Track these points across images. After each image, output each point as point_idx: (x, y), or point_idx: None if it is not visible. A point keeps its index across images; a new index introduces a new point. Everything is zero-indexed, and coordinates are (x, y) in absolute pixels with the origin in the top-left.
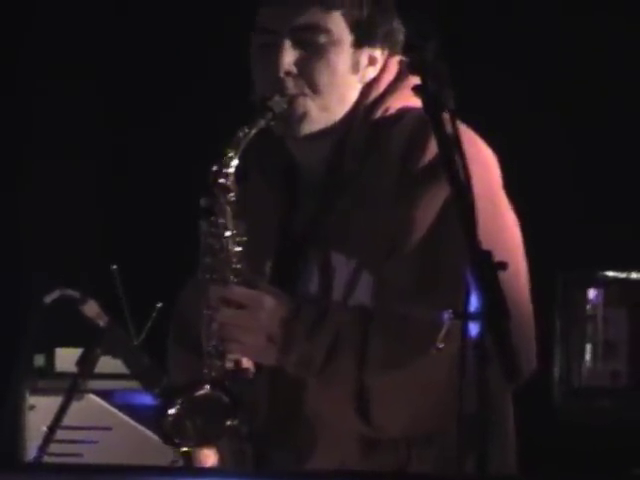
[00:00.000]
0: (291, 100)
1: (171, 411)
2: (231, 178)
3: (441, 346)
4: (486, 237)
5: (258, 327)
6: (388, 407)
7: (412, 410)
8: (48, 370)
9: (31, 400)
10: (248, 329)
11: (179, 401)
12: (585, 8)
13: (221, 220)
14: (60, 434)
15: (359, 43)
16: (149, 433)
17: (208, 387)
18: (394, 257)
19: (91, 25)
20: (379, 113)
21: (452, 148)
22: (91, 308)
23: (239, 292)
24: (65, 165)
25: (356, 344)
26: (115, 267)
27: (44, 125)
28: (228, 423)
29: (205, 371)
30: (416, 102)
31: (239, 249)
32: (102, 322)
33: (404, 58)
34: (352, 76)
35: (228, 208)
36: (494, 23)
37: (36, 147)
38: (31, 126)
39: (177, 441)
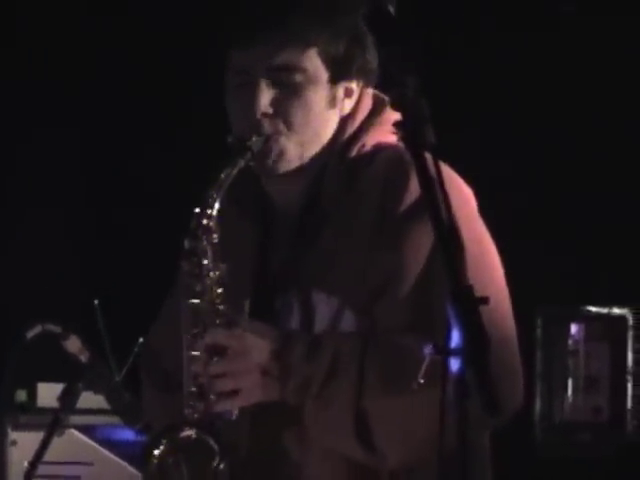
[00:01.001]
0: (267, 139)
1: (156, 452)
2: (214, 219)
3: (422, 381)
4: (470, 273)
5: (250, 367)
6: (389, 433)
7: (410, 439)
8: (30, 405)
9: (13, 435)
10: (240, 373)
11: (164, 441)
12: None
13: (204, 261)
14: (42, 469)
15: (336, 78)
16: (131, 469)
17: (193, 429)
18: (385, 299)
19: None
20: (355, 151)
21: (434, 186)
22: (73, 343)
23: (221, 336)
24: (46, 197)
25: (355, 365)
26: (97, 302)
27: (26, 161)
28: (213, 465)
29: (187, 412)
30: (391, 138)
31: (221, 290)
32: (84, 357)
33: (376, 92)
34: (330, 110)
35: (210, 249)
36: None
37: (18, 180)
38: (16, 163)
39: None
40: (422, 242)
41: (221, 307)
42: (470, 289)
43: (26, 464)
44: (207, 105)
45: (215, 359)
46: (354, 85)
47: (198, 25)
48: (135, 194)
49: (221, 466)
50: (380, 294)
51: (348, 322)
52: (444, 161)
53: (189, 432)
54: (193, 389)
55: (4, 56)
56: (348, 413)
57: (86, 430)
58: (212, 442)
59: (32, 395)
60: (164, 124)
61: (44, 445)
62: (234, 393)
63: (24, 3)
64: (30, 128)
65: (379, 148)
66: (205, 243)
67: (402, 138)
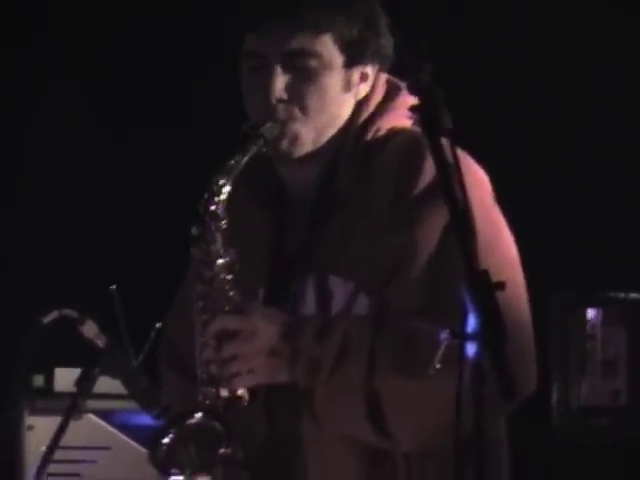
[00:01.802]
0: (282, 125)
1: (164, 440)
2: (222, 206)
3: (438, 366)
4: (484, 256)
5: (259, 349)
6: (401, 416)
7: (425, 423)
8: (47, 390)
9: (29, 420)
10: (249, 355)
11: (172, 430)
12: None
13: (213, 248)
14: (59, 454)
15: (350, 63)
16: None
17: (200, 415)
18: (398, 281)
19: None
20: (370, 134)
21: (450, 169)
22: (90, 328)
23: (229, 321)
24: (62, 183)
25: (365, 347)
26: (114, 287)
27: (39, 145)
28: (222, 451)
29: (200, 399)
30: (405, 123)
31: (231, 277)
32: (101, 342)
33: (391, 77)
34: (345, 94)
35: (219, 236)
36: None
37: (32, 166)
38: (25, 148)
39: (171, 470)
40: (435, 224)
41: (231, 293)
42: (486, 274)
43: (43, 449)
44: (226, 90)
45: (225, 343)
46: (369, 69)
47: (213, 9)
48: (152, 180)
49: (229, 450)
50: (392, 276)
51: (363, 305)
52: (460, 146)
53: (197, 418)
54: (204, 375)
55: (18, 38)
56: (359, 396)
57: (103, 415)
58: (219, 427)
59: (49, 380)
60: (181, 111)
61: (61, 430)
62: (242, 374)
63: None
64: (50, 114)
65: (394, 132)
66: (213, 229)
67: (419, 123)
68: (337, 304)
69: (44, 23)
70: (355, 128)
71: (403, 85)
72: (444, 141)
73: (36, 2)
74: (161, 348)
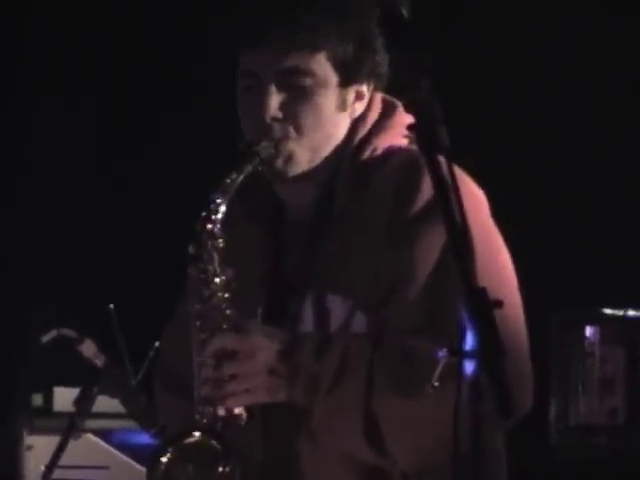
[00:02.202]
0: (277, 144)
1: (162, 459)
2: (219, 224)
3: (436, 384)
4: (482, 275)
5: (257, 368)
6: (398, 435)
7: (422, 441)
8: (46, 409)
9: (29, 440)
10: (248, 375)
11: (170, 449)
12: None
13: (210, 267)
14: (58, 473)
15: (345, 81)
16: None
17: (198, 434)
18: (396, 299)
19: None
20: (367, 154)
21: (447, 188)
22: (88, 347)
23: (227, 340)
24: (61, 202)
25: (364, 365)
26: (112, 306)
27: (38, 164)
28: (220, 470)
29: (197, 418)
30: (402, 141)
31: (228, 295)
32: (99, 362)
33: (386, 95)
34: (340, 114)
35: (216, 254)
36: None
37: (30, 183)
38: (25, 165)
39: None
40: (433, 243)
41: (228, 312)
42: (484, 292)
43: (42, 468)
44: (224, 109)
45: (223, 362)
46: (364, 88)
47: (210, 24)
48: (151, 198)
49: (227, 469)
50: (390, 294)
51: (361, 323)
52: (457, 163)
53: (195, 437)
54: (202, 394)
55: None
56: (357, 415)
57: (102, 434)
58: (217, 446)
59: (48, 399)
60: (179, 130)
61: (60, 449)
62: (242, 393)
63: None
64: (46, 126)
65: (391, 151)
66: (210, 248)
67: (415, 141)
68: (335, 322)
69: (44, 26)
70: (351, 147)
71: (399, 103)
72: (441, 159)
73: (33, 7)
74: (156, 367)
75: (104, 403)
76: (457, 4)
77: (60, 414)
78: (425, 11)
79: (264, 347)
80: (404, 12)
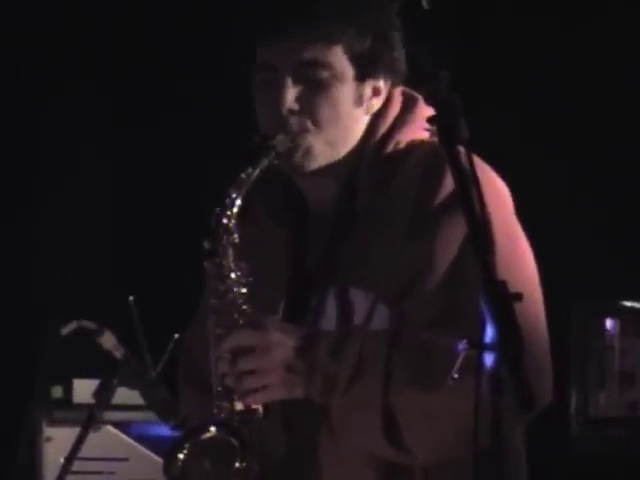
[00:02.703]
0: (295, 137)
1: (179, 455)
2: (234, 219)
3: (456, 376)
4: (502, 268)
5: (274, 365)
6: (417, 430)
7: (441, 436)
8: (65, 401)
9: (48, 431)
10: (265, 371)
11: (187, 444)
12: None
13: (225, 262)
14: (77, 465)
15: (362, 76)
16: None
17: (215, 429)
18: (416, 290)
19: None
20: (390, 148)
21: (468, 180)
22: (108, 339)
23: (244, 336)
24: (81, 193)
25: (381, 362)
26: (132, 298)
27: (55, 157)
28: (237, 465)
29: (215, 412)
30: (424, 135)
31: (245, 290)
32: (119, 354)
33: (406, 89)
34: (356, 109)
35: (232, 250)
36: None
37: (49, 178)
38: (41, 159)
39: None
40: (453, 235)
41: (244, 307)
42: (504, 285)
43: (62, 460)
44: (241, 106)
45: (240, 358)
46: (381, 84)
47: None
48: (168, 191)
49: (244, 464)
50: (410, 287)
51: (383, 317)
52: (479, 155)
53: (211, 433)
54: (220, 389)
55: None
56: (375, 411)
57: (121, 426)
58: (234, 441)
59: (68, 391)
60: (198, 126)
61: (80, 441)
62: (258, 390)
63: None
64: (65, 130)
65: (413, 145)
66: (225, 243)
67: (436, 133)
68: (358, 316)
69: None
70: (373, 142)
71: (419, 96)
72: (462, 150)
73: (41, 5)
74: (181, 361)
75: (123, 395)
76: None
77: (80, 406)
78: (444, 2)
79: (281, 343)
80: (424, 3)
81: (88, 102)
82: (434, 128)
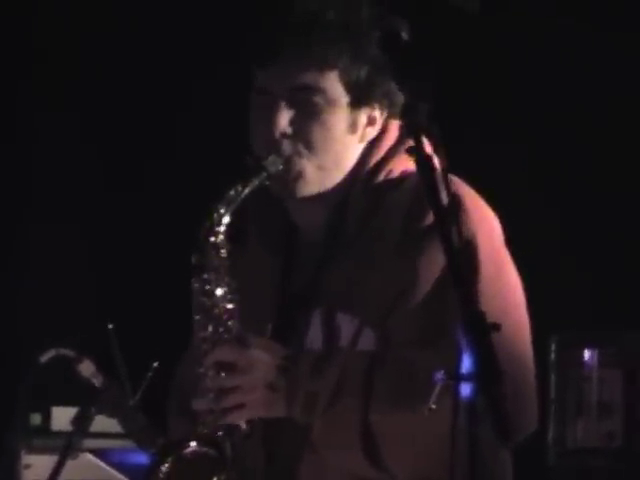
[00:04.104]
0: (287, 160)
1: (161, 470)
2: (222, 235)
3: (434, 407)
4: (487, 299)
5: (256, 383)
6: (396, 450)
7: (420, 457)
8: (44, 429)
9: (27, 459)
10: (247, 389)
11: (169, 459)
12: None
13: (212, 278)
14: None
15: (356, 103)
16: None
17: (196, 444)
18: (399, 309)
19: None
20: (382, 176)
21: (446, 213)
22: (87, 367)
23: (228, 352)
24: (62, 220)
25: (362, 382)
26: (111, 326)
27: (40, 191)
28: (219, 478)
29: (198, 427)
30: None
31: (231, 306)
32: (97, 381)
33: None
34: (350, 136)
35: (219, 265)
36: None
37: (31, 203)
38: (28, 192)
39: None
40: (437, 256)
41: (230, 323)
42: (482, 315)
43: None
44: (228, 125)
45: (222, 374)
46: (377, 114)
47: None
48: (150, 217)
49: (224, 478)
50: (393, 307)
51: (368, 339)
52: (470, 184)
53: (193, 447)
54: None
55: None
56: (355, 430)
57: (100, 453)
58: (216, 455)
59: (46, 419)
60: (180, 144)
61: (58, 468)
62: (239, 407)
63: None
64: (50, 149)
65: (405, 175)
66: (212, 259)
67: (414, 164)
68: (344, 340)
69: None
70: (365, 170)
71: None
72: (451, 178)
73: (32, 40)
74: (172, 393)
75: (102, 422)
76: (455, 29)
77: (58, 433)
78: (424, 35)
79: (263, 362)
80: (404, 35)
81: (74, 132)
82: (412, 159)
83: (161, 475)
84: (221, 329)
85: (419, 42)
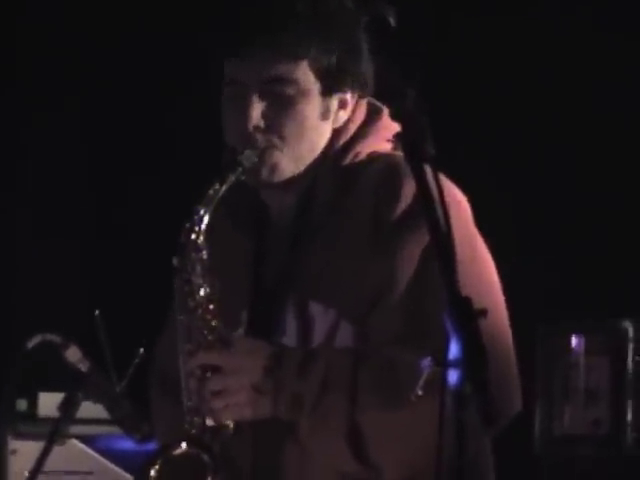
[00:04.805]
0: (262, 153)
1: (151, 472)
2: (202, 236)
3: (420, 393)
4: (466, 284)
5: (242, 385)
6: (383, 446)
7: (407, 452)
8: (30, 415)
9: (13, 445)
10: (233, 390)
11: (159, 461)
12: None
13: (194, 278)
14: (42, 479)
15: (328, 90)
16: (130, 478)
17: (186, 445)
18: (380, 307)
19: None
20: (349, 159)
21: (432, 197)
22: (73, 353)
23: (213, 356)
24: (49, 208)
25: (347, 380)
26: (98, 312)
27: (29, 180)
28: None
29: (186, 428)
30: (386, 146)
31: (213, 306)
32: (84, 367)
33: (372, 100)
34: (323, 122)
35: (200, 266)
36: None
37: (19, 196)
38: (16, 181)
39: None
40: (413, 250)
41: (213, 323)
42: (468, 301)
43: (26, 473)
44: (208, 124)
45: (209, 376)
46: (348, 96)
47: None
48: (138, 204)
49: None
50: (374, 304)
51: (346, 333)
52: (443, 172)
53: (183, 448)
54: (190, 404)
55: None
56: (341, 429)
57: (86, 440)
58: (206, 457)
59: (33, 404)
60: (165, 143)
61: (44, 454)
62: (225, 409)
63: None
64: (36, 143)
65: (374, 157)
66: (194, 260)
67: (402, 150)
68: (319, 331)
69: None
70: (333, 153)
71: (384, 108)
72: (427, 168)
73: (29, 44)
74: (151, 376)
75: (88, 409)
76: (445, 14)
77: (45, 419)
78: (413, 19)
79: (249, 364)
80: (391, 21)
81: (63, 130)
82: (399, 144)
83: (151, 478)
84: (205, 330)
85: (406, 28)
